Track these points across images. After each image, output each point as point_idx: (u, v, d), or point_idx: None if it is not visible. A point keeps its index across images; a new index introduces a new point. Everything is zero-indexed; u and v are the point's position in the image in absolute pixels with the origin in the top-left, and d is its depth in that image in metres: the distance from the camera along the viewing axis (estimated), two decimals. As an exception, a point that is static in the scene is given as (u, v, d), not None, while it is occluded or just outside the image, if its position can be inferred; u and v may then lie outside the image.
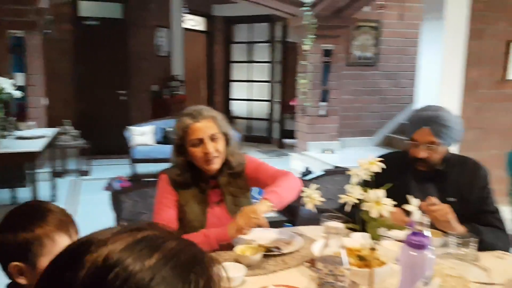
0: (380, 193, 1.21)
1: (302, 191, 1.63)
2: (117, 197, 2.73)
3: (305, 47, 5.86)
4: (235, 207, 1.79)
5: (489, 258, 1.57)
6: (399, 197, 1.45)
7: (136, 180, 5.27)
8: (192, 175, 1.76)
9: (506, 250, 1.66)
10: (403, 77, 6.69)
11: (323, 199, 1.49)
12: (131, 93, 7.30)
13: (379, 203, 1.18)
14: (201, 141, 1.70)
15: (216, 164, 1.73)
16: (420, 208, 1.43)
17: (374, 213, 1.17)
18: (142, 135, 5.95)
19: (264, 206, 1.59)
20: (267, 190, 1.67)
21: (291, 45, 7.50)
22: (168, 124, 6.19)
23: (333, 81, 6.30)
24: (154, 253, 0.53)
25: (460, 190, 1.78)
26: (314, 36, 5.76)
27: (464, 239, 1.50)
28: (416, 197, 1.45)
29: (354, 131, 6.65)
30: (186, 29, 8.25)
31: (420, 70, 4.37)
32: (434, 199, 1.62)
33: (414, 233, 1.13)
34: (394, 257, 1.39)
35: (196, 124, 1.70)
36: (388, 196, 1.43)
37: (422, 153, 1.75)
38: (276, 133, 7.99)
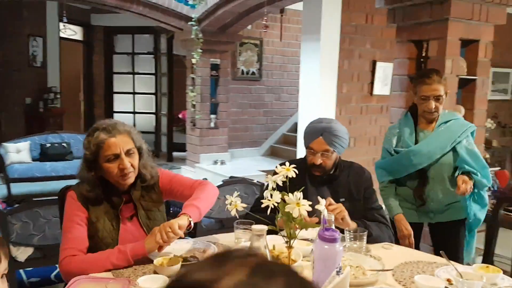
0: (299, 195, 1.37)
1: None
2: (4, 219, 2.52)
3: (193, 61, 5.97)
4: (148, 221, 1.80)
5: (378, 249, 1.83)
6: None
7: (12, 201, 4.80)
8: (103, 190, 1.74)
9: (391, 241, 1.95)
10: (285, 91, 7.19)
11: (244, 205, 1.60)
12: (2, 106, 6.64)
13: (299, 204, 1.33)
14: (116, 157, 1.69)
15: (131, 179, 1.73)
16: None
17: (295, 213, 1.32)
18: (18, 152, 5.45)
19: (183, 221, 1.64)
20: (186, 204, 1.72)
21: (178, 58, 7.54)
22: (46, 139, 5.76)
23: (222, 94, 6.51)
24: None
25: (349, 191, 2.04)
26: (201, 50, 5.91)
27: (356, 234, 1.74)
28: (313, 199, 1.64)
29: (243, 142, 6.92)
30: (63, 38, 7.79)
31: (302, 85, 4.77)
32: (330, 200, 1.84)
33: (326, 229, 1.30)
34: (302, 255, 1.56)
35: (112, 139, 1.68)
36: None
37: (318, 160, 1.97)
38: (164, 147, 7.91)
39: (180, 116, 7.80)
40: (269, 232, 1.86)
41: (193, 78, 6.27)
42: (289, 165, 1.58)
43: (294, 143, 6.69)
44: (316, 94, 4.56)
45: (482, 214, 2.25)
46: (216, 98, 6.50)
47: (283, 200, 1.42)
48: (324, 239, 1.29)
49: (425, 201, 2.27)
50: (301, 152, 4.80)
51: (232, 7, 5.47)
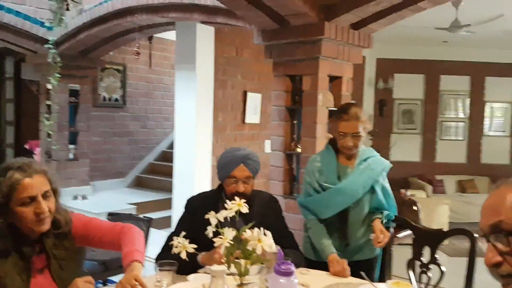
0: (261, 231, 1.37)
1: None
2: None
3: (49, 86, 5.44)
4: (61, 272, 1.59)
5: (297, 275, 1.92)
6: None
7: None
8: (13, 240, 1.48)
9: (303, 266, 2.06)
10: (151, 119, 7.02)
11: (195, 246, 1.52)
12: None
13: (260, 240, 1.33)
14: (32, 199, 1.46)
15: (47, 225, 1.51)
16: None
17: (258, 250, 1.31)
18: None
19: (139, 268, 1.50)
20: (128, 250, 1.55)
21: (27, 83, 6.77)
22: None
23: (82, 122, 6.05)
24: None
25: (262, 219, 2.09)
26: (59, 75, 5.43)
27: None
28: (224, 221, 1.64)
29: (106, 173, 6.50)
30: None
31: (177, 114, 4.74)
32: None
33: (281, 263, 1.33)
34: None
35: (27, 179, 1.45)
36: (203, 232, 1.59)
37: (241, 188, 2.00)
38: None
39: (28, 147, 6.97)
40: (188, 271, 1.81)
41: (48, 105, 5.69)
42: (200, 197, 1.56)
43: (162, 172, 6.55)
44: (193, 123, 4.58)
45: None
46: (75, 126, 6.01)
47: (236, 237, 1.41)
48: (280, 273, 1.32)
49: (349, 242, 2.24)
50: (178, 181, 4.72)
51: (97, 31, 5.18)
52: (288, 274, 1.32)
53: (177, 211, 4.40)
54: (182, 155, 4.68)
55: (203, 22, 4.52)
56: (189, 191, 4.01)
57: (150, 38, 6.40)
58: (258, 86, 5.21)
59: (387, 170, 2.29)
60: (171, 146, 5.96)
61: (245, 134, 5.16)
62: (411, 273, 2.15)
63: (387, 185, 2.29)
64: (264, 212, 2.10)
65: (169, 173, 5.17)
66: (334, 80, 3.87)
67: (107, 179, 6.52)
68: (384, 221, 2.20)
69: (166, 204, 5.33)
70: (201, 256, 1.84)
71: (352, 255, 2.21)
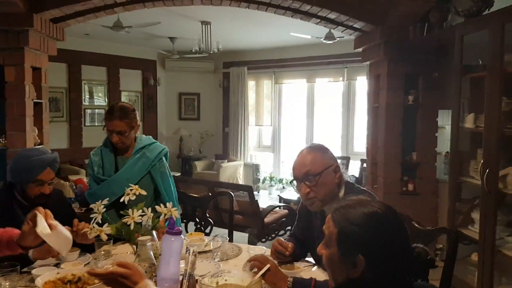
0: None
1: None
2: None
3: None
4: None
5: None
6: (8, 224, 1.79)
7: None
8: None
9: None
10: None
11: (109, 230, 1.59)
12: None
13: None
14: None
15: None
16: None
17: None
18: None
19: None
20: None
21: None
22: None
23: None
24: None
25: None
26: None
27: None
28: (23, 220, 1.85)
29: None
30: None
31: None
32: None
33: (171, 226, 1.75)
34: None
35: None
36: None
37: (47, 190, 2.08)
38: None
39: None
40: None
41: None
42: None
43: None
44: None
45: None
46: None
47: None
48: (171, 233, 1.76)
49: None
50: None
51: None
52: (178, 233, 1.77)
53: None
54: None
55: None
56: None
57: None
58: None
59: (164, 154, 2.58)
60: None
61: None
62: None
63: (167, 172, 2.58)
64: (56, 208, 2.22)
65: None
66: (34, 71, 3.83)
67: None
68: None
69: None
70: (32, 252, 1.88)
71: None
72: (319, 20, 4.05)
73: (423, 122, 4.08)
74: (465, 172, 3.13)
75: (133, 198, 1.92)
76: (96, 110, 8.43)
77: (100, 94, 8.50)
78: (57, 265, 1.93)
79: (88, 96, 8.30)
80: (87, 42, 7.84)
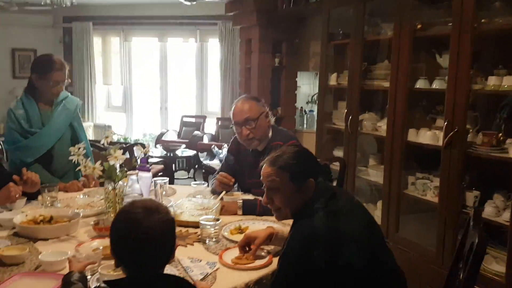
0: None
1: None
2: None
3: None
4: None
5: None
6: None
7: None
8: None
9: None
10: None
11: (101, 168, 1.67)
12: None
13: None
14: None
15: None
16: None
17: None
18: None
19: None
20: None
21: None
22: None
23: None
24: None
25: None
26: None
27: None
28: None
29: None
30: None
31: None
32: None
33: (142, 163, 1.97)
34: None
35: None
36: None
37: None
38: None
39: None
40: None
41: None
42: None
43: None
44: None
45: None
46: None
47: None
48: (143, 169, 2.00)
49: (54, 174, 2.57)
50: None
51: None
52: (147, 170, 2.02)
53: None
54: None
55: None
56: None
57: None
58: None
59: (80, 106, 2.76)
60: None
61: None
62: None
63: (80, 121, 2.77)
64: None
65: None
66: None
67: None
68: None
69: None
70: None
71: (59, 179, 2.61)
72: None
73: (286, 82, 4.80)
74: (328, 120, 3.92)
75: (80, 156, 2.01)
76: None
77: None
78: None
79: None
80: None
